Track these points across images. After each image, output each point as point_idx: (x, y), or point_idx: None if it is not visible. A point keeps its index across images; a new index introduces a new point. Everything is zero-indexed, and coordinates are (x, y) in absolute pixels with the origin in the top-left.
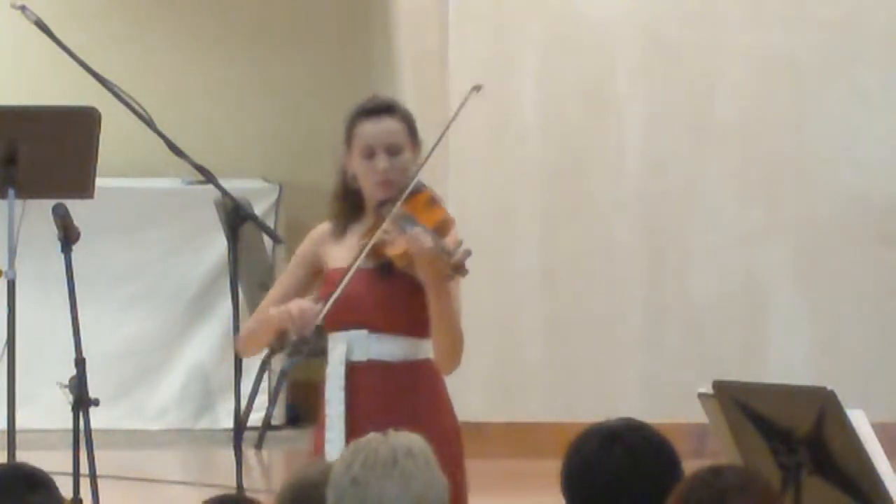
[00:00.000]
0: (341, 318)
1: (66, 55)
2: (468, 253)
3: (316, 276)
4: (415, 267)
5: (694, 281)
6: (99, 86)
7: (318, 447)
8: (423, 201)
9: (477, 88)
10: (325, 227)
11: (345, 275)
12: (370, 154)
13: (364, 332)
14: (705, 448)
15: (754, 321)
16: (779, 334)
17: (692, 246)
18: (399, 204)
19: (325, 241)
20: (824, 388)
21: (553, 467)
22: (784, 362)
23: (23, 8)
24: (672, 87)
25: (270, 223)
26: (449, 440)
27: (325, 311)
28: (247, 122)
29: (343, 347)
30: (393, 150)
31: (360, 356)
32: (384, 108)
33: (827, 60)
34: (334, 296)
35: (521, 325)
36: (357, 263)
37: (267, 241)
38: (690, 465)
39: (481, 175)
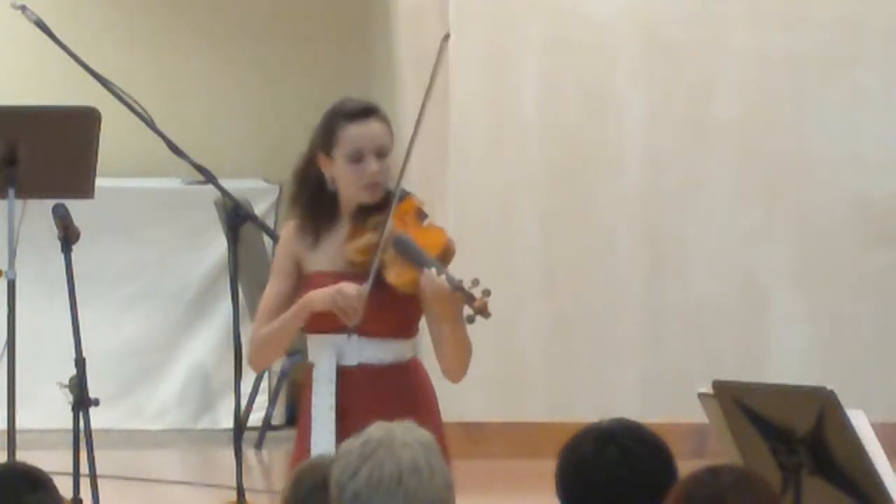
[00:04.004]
0: (328, 323)
1: (66, 55)
2: (488, 293)
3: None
4: (422, 298)
5: (694, 281)
6: (99, 86)
7: (300, 456)
8: (411, 213)
9: (446, 38)
10: (294, 225)
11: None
12: (358, 158)
13: (354, 336)
14: (705, 448)
15: (754, 321)
16: (779, 334)
17: (692, 246)
18: (389, 220)
19: (298, 242)
20: (824, 388)
21: (553, 467)
22: (784, 362)
23: (23, 8)
24: (672, 87)
25: (270, 223)
26: (440, 436)
27: (367, 289)
28: (247, 122)
29: (332, 352)
30: (381, 153)
31: (350, 360)
32: (370, 111)
33: (827, 60)
34: (370, 281)
35: (521, 324)
36: (369, 286)
37: (267, 241)
38: (690, 465)
39: (481, 175)
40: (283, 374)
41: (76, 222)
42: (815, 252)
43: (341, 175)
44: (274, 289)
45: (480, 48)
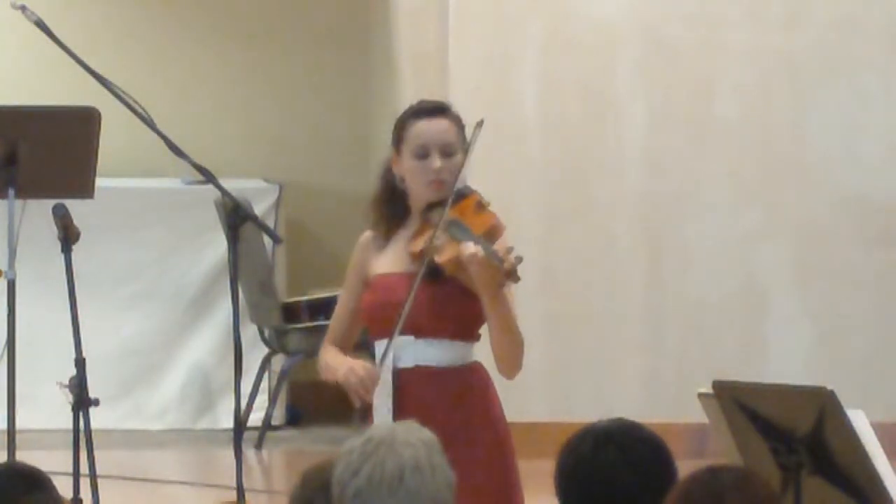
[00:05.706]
0: (388, 326)
1: (66, 55)
2: (519, 259)
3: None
4: (465, 274)
5: (694, 281)
6: (99, 86)
7: None
8: (471, 206)
9: (479, 124)
10: (367, 235)
11: (409, 293)
12: (424, 154)
13: (411, 337)
14: (705, 448)
15: (754, 321)
16: (779, 334)
17: (692, 246)
18: (447, 209)
19: (368, 249)
20: (824, 388)
21: (553, 467)
22: (784, 362)
23: (23, 8)
24: (672, 87)
25: (270, 223)
26: (502, 445)
27: (381, 367)
28: (247, 122)
29: (391, 354)
30: (447, 151)
31: (407, 362)
32: (438, 109)
33: (827, 60)
34: (396, 330)
35: (521, 324)
36: (418, 281)
37: (267, 241)
38: (690, 465)
39: (481, 175)
40: (284, 374)
41: (76, 222)
42: (815, 252)
43: (408, 171)
44: (339, 306)
45: (480, 48)
